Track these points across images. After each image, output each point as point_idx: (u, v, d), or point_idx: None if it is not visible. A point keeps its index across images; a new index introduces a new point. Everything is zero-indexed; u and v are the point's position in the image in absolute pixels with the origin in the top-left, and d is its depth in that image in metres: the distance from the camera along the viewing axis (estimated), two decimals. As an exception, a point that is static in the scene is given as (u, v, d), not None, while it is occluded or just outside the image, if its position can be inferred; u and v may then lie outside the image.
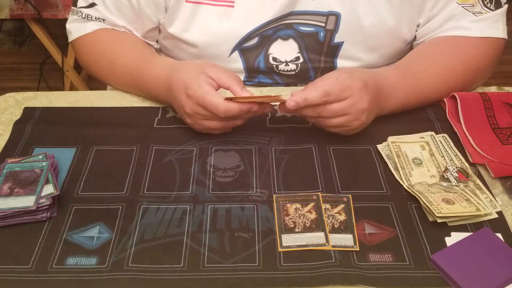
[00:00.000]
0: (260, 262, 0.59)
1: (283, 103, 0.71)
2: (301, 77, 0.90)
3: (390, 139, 0.75)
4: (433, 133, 0.77)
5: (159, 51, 0.96)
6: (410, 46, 0.91)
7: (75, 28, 0.90)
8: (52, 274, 0.58)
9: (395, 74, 0.79)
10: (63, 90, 2.08)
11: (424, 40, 0.88)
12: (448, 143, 0.75)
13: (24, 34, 2.53)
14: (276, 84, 0.91)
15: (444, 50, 0.84)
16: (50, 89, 2.18)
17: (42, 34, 1.91)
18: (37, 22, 1.88)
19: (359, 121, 0.72)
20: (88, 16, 0.87)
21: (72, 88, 2.05)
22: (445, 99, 0.82)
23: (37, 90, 2.12)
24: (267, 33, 0.85)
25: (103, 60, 0.88)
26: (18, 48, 2.53)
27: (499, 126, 0.78)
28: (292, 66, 0.88)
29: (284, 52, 0.87)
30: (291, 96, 0.70)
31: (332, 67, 0.89)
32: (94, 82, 2.19)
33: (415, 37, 0.89)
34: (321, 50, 0.86)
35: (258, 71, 0.89)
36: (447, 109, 0.81)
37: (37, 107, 0.83)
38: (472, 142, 0.75)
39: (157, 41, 0.94)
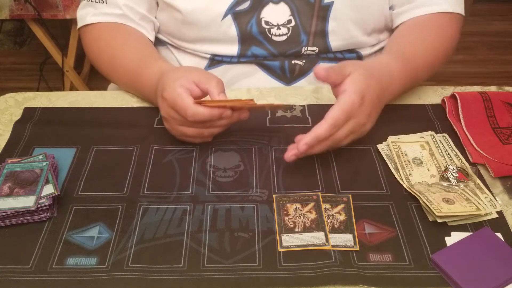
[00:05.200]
0: (260, 262, 0.59)
1: (292, 148, 0.69)
2: (293, 42, 0.90)
3: (390, 139, 0.75)
4: (433, 132, 0.77)
5: (158, 32, 0.96)
6: (391, 14, 0.92)
7: (80, 17, 0.92)
8: (52, 274, 0.58)
9: (397, 63, 0.80)
10: (63, 90, 2.08)
11: (401, 10, 0.90)
12: (448, 143, 0.75)
13: (24, 34, 2.54)
14: (271, 55, 0.90)
15: (429, 32, 0.88)
16: (50, 89, 2.18)
17: (42, 34, 1.91)
18: (37, 23, 1.88)
19: (362, 133, 0.72)
20: None
21: (72, 88, 2.06)
22: (445, 99, 0.83)
23: (37, 90, 2.12)
24: None
25: (103, 57, 0.89)
26: (18, 48, 2.53)
27: (499, 126, 0.78)
28: (284, 30, 0.89)
29: (276, 15, 0.88)
30: (297, 141, 0.68)
31: (323, 31, 0.89)
32: (94, 82, 2.19)
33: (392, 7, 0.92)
34: (312, 12, 0.87)
35: (251, 37, 0.89)
36: (447, 109, 0.81)
37: (37, 107, 0.83)
38: (472, 141, 0.75)
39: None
